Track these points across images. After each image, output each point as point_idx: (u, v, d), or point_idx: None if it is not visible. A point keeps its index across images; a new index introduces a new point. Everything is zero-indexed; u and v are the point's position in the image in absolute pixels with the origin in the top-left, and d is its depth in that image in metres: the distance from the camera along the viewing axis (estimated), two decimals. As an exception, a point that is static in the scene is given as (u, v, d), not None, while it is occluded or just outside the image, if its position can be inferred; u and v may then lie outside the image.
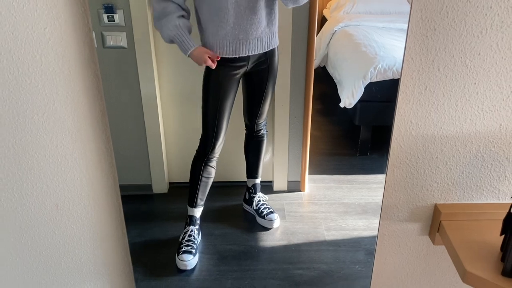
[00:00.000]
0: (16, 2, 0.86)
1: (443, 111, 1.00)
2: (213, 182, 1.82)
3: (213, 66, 1.39)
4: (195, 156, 1.67)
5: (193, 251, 1.66)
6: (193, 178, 1.69)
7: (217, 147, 1.60)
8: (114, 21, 1.68)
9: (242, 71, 1.50)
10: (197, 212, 1.73)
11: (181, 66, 1.79)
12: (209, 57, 1.40)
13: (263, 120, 1.63)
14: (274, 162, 1.91)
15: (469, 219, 1.06)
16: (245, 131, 1.69)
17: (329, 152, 2.23)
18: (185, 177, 1.96)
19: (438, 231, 1.08)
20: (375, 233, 1.83)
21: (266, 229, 1.79)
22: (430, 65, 0.95)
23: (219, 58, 1.39)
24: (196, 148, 1.67)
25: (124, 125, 1.84)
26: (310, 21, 1.65)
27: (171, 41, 1.40)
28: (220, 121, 1.55)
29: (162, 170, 1.94)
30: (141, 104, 1.81)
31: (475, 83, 0.97)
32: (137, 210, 1.79)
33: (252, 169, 1.74)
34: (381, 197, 1.98)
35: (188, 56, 1.39)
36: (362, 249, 1.77)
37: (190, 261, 1.63)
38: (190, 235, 1.70)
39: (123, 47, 1.73)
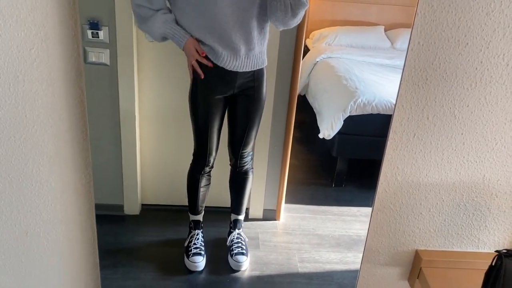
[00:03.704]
0: (3, 20, 0.82)
1: (430, 159, 1.01)
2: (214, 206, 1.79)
3: (199, 72, 1.36)
4: (191, 169, 1.63)
5: (202, 253, 1.65)
6: (192, 189, 1.66)
7: (211, 161, 1.58)
8: (98, 37, 1.64)
9: (228, 92, 1.47)
10: (201, 216, 1.69)
11: (162, 86, 1.76)
12: (196, 60, 1.36)
13: (248, 151, 1.60)
14: (251, 191, 1.89)
15: (449, 267, 1.07)
16: (230, 166, 1.66)
17: (306, 181, 2.23)
18: (159, 199, 1.91)
19: (418, 278, 1.08)
20: (348, 267, 1.83)
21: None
22: (420, 113, 0.96)
23: (204, 55, 1.34)
24: (190, 162, 1.63)
25: (99, 141, 1.78)
26: (296, 50, 1.67)
27: (163, 38, 1.35)
28: (211, 140, 1.53)
29: (135, 190, 1.88)
30: (119, 121, 1.77)
31: (462, 134, 0.98)
32: (106, 233, 1.72)
33: (235, 205, 1.71)
34: (355, 231, 1.99)
35: (183, 49, 1.35)
36: (335, 283, 1.76)
37: (201, 262, 1.63)
38: (197, 238, 1.67)
39: (105, 64, 1.70)
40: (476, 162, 1.01)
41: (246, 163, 1.63)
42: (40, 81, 0.88)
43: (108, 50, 1.68)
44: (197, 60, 1.39)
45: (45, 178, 0.97)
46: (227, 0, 1.29)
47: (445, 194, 1.04)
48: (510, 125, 0.97)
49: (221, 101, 1.49)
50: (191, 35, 1.34)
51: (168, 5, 1.38)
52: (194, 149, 1.58)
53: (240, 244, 1.70)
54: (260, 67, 1.44)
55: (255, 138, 1.60)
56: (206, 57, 1.37)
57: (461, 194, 1.04)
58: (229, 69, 1.39)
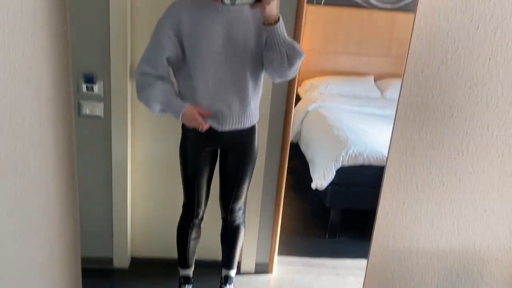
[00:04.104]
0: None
1: (420, 226, 1.01)
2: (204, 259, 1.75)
3: (204, 126, 1.34)
4: (180, 222, 1.61)
5: None
6: (182, 242, 1.62)
7: (201, 214, 1.56)
8: (93, 91, 1.67)
9: (218, 145, 1.47)
10: (191, 270, 1.66)
11: (155, 138, 1.77)
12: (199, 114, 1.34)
13: (239, 206, 1.59)
14: (244, 241, 1.86)
15: (443, 336, 1.05)
16: (221, 220, 1.65)
17: (299, 231, 2.22)
18: (149, 252, 1.88)
19: None
20: (344, 326, 1.78)
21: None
22: (408, 181, 0.97)
23: (210, 114, 1.34)
24: (180, 215, 1.61)
25: (90, 193, 1.78)
26: (288, 99, 1.70)
27: (161, 110, 1.34)
28: (200, 192, 1.51)
29: (125, 242, 1.85)
30: (111, 173, 1.77)
31: (451, 201, 0.99)
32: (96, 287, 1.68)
33: (226, 260, 1.68)
34: (349, 285, 1.95)
35: (180, 118, 1.33)
36: None
37: None
38: None
39: (99, 117, 1.72)
40: (466, 229, 1.01)
41: (237, 218, 1.61)
42: (31, 141, 0.88)
43: (102, 103, 1.70)
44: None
45: (31, 247, 0.96)
46: (220, 61, 1.32)
47: (436, 261, 1.03)
48: (498, 193, 0.98)
49: (211, 154, 1.50)
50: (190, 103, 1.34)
51: (172, 74, 1.39)
52: (184, 202, 1.57)
53: None
54: (253, 124, 1.46)
55: (246, 193, 1.59)
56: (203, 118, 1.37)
57: (452, 261, 1.04)
58: (226, 130, 1.40)
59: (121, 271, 1.87)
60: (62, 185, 0.94)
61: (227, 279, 1.70)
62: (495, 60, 0.89)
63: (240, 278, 1.86)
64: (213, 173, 1.54)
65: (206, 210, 1.59)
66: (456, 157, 0.96)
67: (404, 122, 0.92)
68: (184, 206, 1.57)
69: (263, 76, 1.41)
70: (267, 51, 1.29)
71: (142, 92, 1.34)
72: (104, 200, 1.82)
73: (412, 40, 0.87)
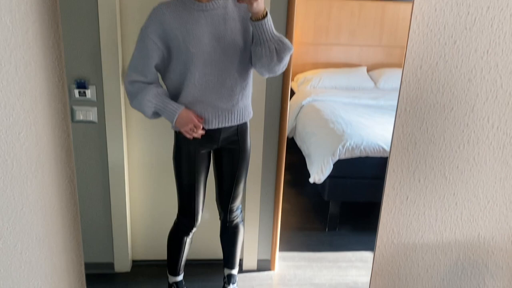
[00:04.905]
0: (-9, 107, 0.82)
1: (424, 220, 1.01)
2: (193, 259, 1.75)
3: (200, 127, 1.33)
4: (175, 230, 1.58)
5: None
6: (175, 251, 1.60)
7: (199, 219, 1.54)
8: (85, 96, 1.64)
9: (212, 146, 1.46)
10: (181, 277, 1.64)
11: (151, 140, 1.75)
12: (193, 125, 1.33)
13: (236, 205, 1.58)
14: (244, 240, 1.86)
15: (451, 327, 1.06)
16: (219, 220, 1.64)
17: (299, 226, 2.21)
18: (150, 254, 1.87)
19: None
20: (347, 319, 1.79)
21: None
22: (411, 176, 0.97)
23: (203, 120, 1.33)
24: (174, 220, 1.59)
25: (88, 199, 1.76)
26: (283, 93, 1.68)
27: (155, 113, 1.33)
28: (197, 197, 1.49)
29: (125, 247, 1.84)
30: (108, 178, 1.74)
31: (454, 194, 0.99)
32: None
33: (228, 259, 1.68)
34: (351, 277, 1.96)
35: (175, 121, 1.33)
36: (337, 338, 1.72)
37: None
38: None
39: (93, 122, 1.69)
40: (470, 221, 1.01)
41: (236, 217, 1.60)
42: (29, 164, 0.87)
43: (95, 108, 1.67)
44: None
45: (34, 259, 0.95)
46: (208, 60, 1.30)
47: (441, 254, 1.03)
48: (500, 184, 0.98)
49: (206, 156, 1.48)
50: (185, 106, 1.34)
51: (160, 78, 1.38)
52: (179, 209, 1.55)
53: None
54: (244, 121, 1.44)
55: (243, 191, 1.59)
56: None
57: (457, 253, 1.04)
58: (213, 128, 1.38)
59: (122, 274, 1.86)
60: (63, 193, 0.92)
61: (230, 278, 1.69)
62: (493, 52, 0.88)
63: (243, 276, 1.86)
64: (208, 175, 1.53)
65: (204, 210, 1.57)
66: (458, 150, 0.96)
67: (405, 118, 0.91)
68: (181, 214, 1.55)
69: (253, 73, 1.39)
70: (255, 47, 1.27)
71: (134, 99, 1.32)
72: (102, 205, 1.80)
73: (409, 35, 0.86)
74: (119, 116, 1.70)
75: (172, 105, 1.32)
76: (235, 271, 1.69)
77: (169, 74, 1.34)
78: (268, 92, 1.65)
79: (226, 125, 1.37)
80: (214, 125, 1.37)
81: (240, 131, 1.44)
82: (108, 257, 1.84)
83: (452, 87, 0.90)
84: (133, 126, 1.74)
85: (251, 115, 1.46)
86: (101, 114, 1.68)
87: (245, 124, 1.45)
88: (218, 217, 1.63)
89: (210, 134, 1.39)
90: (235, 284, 1.69)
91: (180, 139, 1.44)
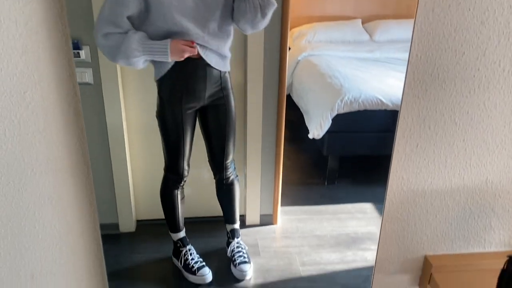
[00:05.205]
0: (-6, 66, 0.79)
1: (434, 167, 1.02)
2: (195, 217, 1.77)
3: (195, 51, 1.31)
4: (165, 187, 1.60)
5: (204, 264, 1.63)
6: (171, 206, 1.63)
7: (186, 175, 1.55)
8: (79, 57, 1.60)
9: (198, 104, 1.45)
10: (183, 233, 1.67)
11: (149, 98, 1.73)
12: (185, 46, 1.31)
13: (230, 161, 1.59)
14: (246, 196, 1.88)
15: (457, 269, 1.09)
16: (214, 179, 1.65)
17: (299, 181, 2.24)
18: (154, 214, 1.89)
19: (429, 283, 1.10)
20: (349, 266, 1.85)
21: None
22: (421, 123, 0.97)
23: (194, 44, 1.30)
24: (163, 176, 1.60)
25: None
26: (281, 51, 1.66)
27: (145, 60, 1.30)
28: (184, 155, 1.50)
29: (129, 207, 1.85)
30: (107, 140, 1.74)
31: (464, 140, 1.00)
32: (103, 253, 1.69)
33: (228, 215, 1.70)
34: (351, 228, 2.01)
35: (169, 56, 1.29)
36: (338, 284, 1.78)
37: (208, 274, 1.61)
38: (191, 253, 1.65)
39: (89, 84, 1.66)
40: (479, 166, 1.02)
41: (231, 173, 1.62)
42: (36, 124, 0.85)
43: (90, 69, 1.64)
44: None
45: (47, 220, 0.95)
46: (188, 14, 1.26)
47: (450, 199, 1.05)
48: (509, 128, 0.99)
49: (192, 115, 1.48)
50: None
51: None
52: (166, 165, 1.55)
53: (241, 253, 1.70)
54: (224, 70, 1.42)
55: (234, 147, 1.59)
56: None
57: (465, 198, 1.05)
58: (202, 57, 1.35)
59: (128, 234, 1.89)
60: (73, 152, 0.91)
61: (233, 233, 1.72)
62: (507, -8, 0.86)
63: (247, 230, 1.90)
64: (194, 135, 1.53)
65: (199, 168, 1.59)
66: (468, 95, 0.95)
67: (416, 65, 0.90)
68: (167, 170, 1.56)
69: (234, 29, 1.37)
70: (239, 2, 1.25)
71: (117, 53, 1.26)
72: (103, 167, 1.80)
73: (422, -23, 0.83)
74: (115, 76, 1.67)
75: (158, 44, 1.27)
76: (237, 226, 1.72)
77: (146, 27, 1.29)
78: (267, 48, 1.63)
79: (204, 56, 1.35)
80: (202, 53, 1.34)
81: (223, 86, 1.43)
82: (112, 218, 1.86)
83: (464, 31, 0.89)
84: (130, 86, 1.72)
85: (228, 68, 1.44)
86: (97, 75, 1.64)
87: (226, 79, 1.43)
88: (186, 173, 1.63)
89: (195, 89, 1.38)
90: (239, 238, 1.72)
91: (165, 98, 1.42)
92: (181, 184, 1.56)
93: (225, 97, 1.45)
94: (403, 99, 0.92)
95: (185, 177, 1.54)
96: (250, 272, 1.65)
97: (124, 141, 1.78)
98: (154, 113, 1.75)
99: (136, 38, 1.24)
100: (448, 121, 0.96)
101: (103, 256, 1.01)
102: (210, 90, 1.42)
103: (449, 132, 0.97)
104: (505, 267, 0.92)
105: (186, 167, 1.53)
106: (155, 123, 1.77)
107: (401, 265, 1.11)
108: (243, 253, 1.67)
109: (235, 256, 1.67)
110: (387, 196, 1.00)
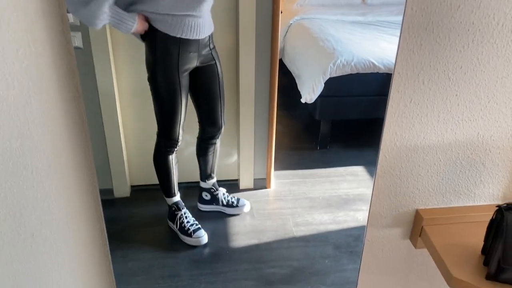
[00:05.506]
0: (-15, 22, 0.77)
1: (426, 122, 1.03)
2: (189, 182, 1.80)
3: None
4: (158, 152, 1.62)
5: (200, 226, 1.68)
6: (166, 172, 1.65)
7: (181, 138, 1.57)
8: (68, 20, 1.57)
9: (192, 66, 1.45)
10: (178, 197, 1.71)
11: (140, 63, 1.71)
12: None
13: (221, 128, 1.62)
14: (240, 161, 1.90)
15: (448, 222, 1.12)
16: (197, 138, 1.67)
17: (292, 146, 2.26)
18: (148, 179, 1.90)
19: (420, 236, 1.13)
20: (340, 226, 1.89)
21: (234, 228, 1.79)
22: (415, 79, 0.98)
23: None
24: (155, 141, 1.62)
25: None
26: (273, 14, 1.64)
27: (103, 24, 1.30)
28: (180, 119, 1.51)
29: (123, 172, 1.86)
30: (99, 106, 1.72)
31: (457, 95, 1.01)
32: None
33: (212, 170, 1.73)
34: (343, 190, 2.04)
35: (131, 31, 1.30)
36: (330, 243, 1.83)
37: (204, 236, 1.67)
38: (186, 216, 1.69)
39: (79, 48, 1.63)
40: (471, 120, 1.04)
41: (216, 140, 1.65)
42: (31, 84, 0.84)
43: (79, 33, 1.61)
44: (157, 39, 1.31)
45: (46, 180, 0.95)
46: None
47: (442, 154, 1.07)
48: (501, 83, 1.00)
49: (187, 78, 1.48)
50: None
51: None
52: (160, 130, 1.56)
53: (233, 197, 1.75)
54: (212, 30, 1.42)
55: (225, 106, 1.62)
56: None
57: (457, 153, 1.08)
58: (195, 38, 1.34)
59: (122, 199, 1.90)
60: (69, 112, 0.91)
61: (217, 185, 1.76)
62: None
63: (241, 194, 1.92)
64: (188, 98, 1.53)
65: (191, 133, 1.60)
66: (462, 50, 0.96)
67: (412, 19, 0.90)
68: (162, 135, 1.56)
69: None
70: None
71: (84, 6, 1.23)
72: (96, 133, 1.79)
73: None
74: (105, 40, 1.64)
75: (128, 16, 1.27)
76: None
77: None
78: (259, 11, 1.61)
79: (205, 33, 1.37)
80: (196, 33, 1.34)
81: (212, 48, 1.44)
82: (107, 183, 1.87)
83: (460, -16, 0.88)
84: (120, 50, 1.69)
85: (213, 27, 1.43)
86: (86, 38, 1.62)
87: (212, 39, 1.43)
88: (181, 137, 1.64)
89: (189, 49, 1.37)
90: (224, 189, 1.76)
91: (159, 59, 1.42)
92: (176, 149, 1.57)
93: (214, 58, 1.45)
94: (398, 54, 0.92)
95: (179, 142, 1.55)
96: (249, 204, 1.75)
97: (116, 106, 1.77)
98: (146, 77, 1.73)
99: (108, 2, 1.22)
100: (442, 76, 0.97)
101: (102, 214, 1.03)
102: (202, 51, 1.41)
103: (442, 87, 0.98)
104: (493, 217, 0.95)
105: (181, 131, 1.53)
106: (147, 87, 1.76)
107: (393, 218, 1.14)
108: (233, 197, 1.73)
109: (231, 200, 1.72)
110: (380, 152, 1.02)
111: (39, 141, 0.91)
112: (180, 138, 1.56)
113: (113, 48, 1.67)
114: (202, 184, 1.77)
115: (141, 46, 1.66)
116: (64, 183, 0.98)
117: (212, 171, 1.76)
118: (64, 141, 0.93)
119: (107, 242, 1.08)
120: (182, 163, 1.73)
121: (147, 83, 1.74)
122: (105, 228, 1.06)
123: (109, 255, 1.10)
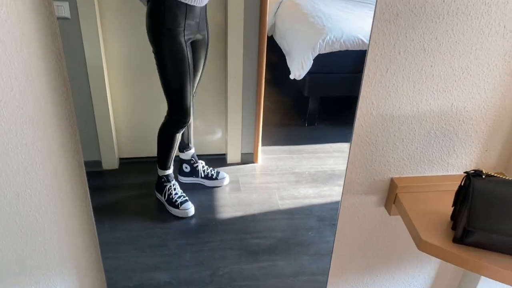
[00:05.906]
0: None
1: (402, 92, 1.06)
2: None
3: None
4: (167, 127, 1.62)
5: (187, 198, 1.70)
6: (168, 147, 1.67)
7: (192, 115, 1.58)
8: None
9: (193, 36, 1.46)
10: (171, 170, 1.72)
11: (129, 35, 1.71)
12: None
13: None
14: (228, 135, 1.92)
15: (422, 190, 1.16)
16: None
17: (280, 123, 2.29)
18: (136, 152, 1.93)
19: (394, 203, 1.17)
20: (325, 200, 1.94)
21: (221, 201, 1.82)
22: (391, 49, 1.00)
23: None
24: (165, 117, 1.62)
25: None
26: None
27: None
28: (191, 92, 1.52)
29: (111, 144, 1.88)
30: (87, 77, 1.73)
31: (432, 66, 1.04)
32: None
33: (189, 140, 1.75)
34: (329, 166, 2.08)
35: None
36: (314, 216, 1.87)
37: (191, 208, 1.69)
38: (175, 188, 1.71)
39: (66, 18, 1.63)
40: (445, 91, 1.07)
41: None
42: (13, 44, 0.86)
43: (67, 3, 1.61)
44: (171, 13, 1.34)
45: (30, 140, 0.98)
46: None
47: (416, 124, 1.11)
48: (475, 54, 1.03)
49: (190, 47, 1.48)
50: None
51: None
52: (172, 107, 1.56)
53: (209, 167, 1.77)
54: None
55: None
56: None
57: (431, 123, 1.11)
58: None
59: (111, 171, 1.92)
60: (51, 72, 0.93)
61: (196, 157, 1.78)
62: None
63: (228, 168, 1.95)
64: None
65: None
66: (437, 21, 0.98)
67: (388, -12, 0.92)
68: (174, 112, 1.56)
69: None
70: None
71: None
72: (84, 105, 1.80)
73: None
74: (93, 10, 1.64)
75: None
76: None
77: None
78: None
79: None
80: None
81: (206, 21, 1.44)
82: (95, 155, 1.89)
83: (436, -45, 0.90)
84: (108, 21, 1.69)
85: None
86: (74, 8, 1.61)
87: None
88: (192, 112, 1.66)
89: (193, 19, 1.38)
90: (203, 162, 1.78)
91: (167, 28, 1.42)
92: (186, 126, 1.59)
93: (207, 29, 1.46)
94: (374, 24, 0.95)
95: (190, 117, 1.56)
96: (228, 177, 1.78)
97: (104, 78, 1.77)
98: (135, 50, 1.74)
99: None
100: (417, 47, 1.00)
101: (85, 178, 1.06)
102: (200, 20, 1.42)
103: (418, 57, 1.01)
104: (461, 183, 0.99)
105: (192, 106, 1.55)
106: (135, 59, 1.76)
107: (369, 186, 1.18)
108: (209, 167, 1.76)
109: (210, 172, 1.75)
110: (356, 120, 1.05)
111: (22, 102, 0.93)
112: (191, 115, 1.57)
113: (101, 18, 1.67)
114: (182, 156, 1.79)
115: (131, 17, 1.66)
116: (48, 146, 1.00)
117: (189, 141, 1.77)
118: (47, 101, 0.95)
119: (89, 197, 1.11)
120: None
121: (136, 55, 1.74)
122: (87, 183, 1.09)
123: (91, 208, 1.14)
